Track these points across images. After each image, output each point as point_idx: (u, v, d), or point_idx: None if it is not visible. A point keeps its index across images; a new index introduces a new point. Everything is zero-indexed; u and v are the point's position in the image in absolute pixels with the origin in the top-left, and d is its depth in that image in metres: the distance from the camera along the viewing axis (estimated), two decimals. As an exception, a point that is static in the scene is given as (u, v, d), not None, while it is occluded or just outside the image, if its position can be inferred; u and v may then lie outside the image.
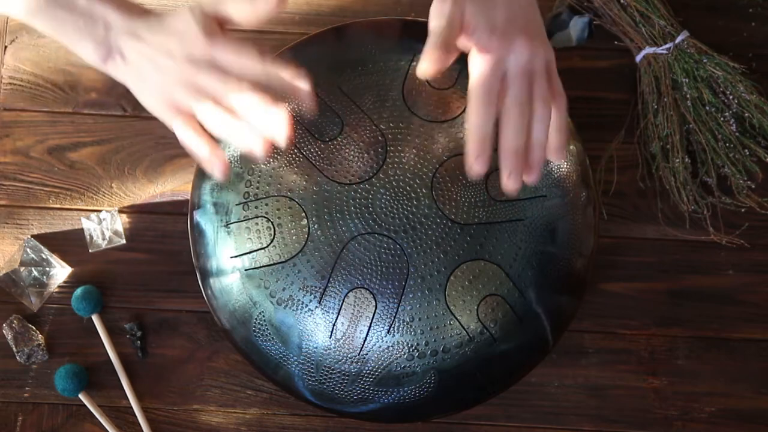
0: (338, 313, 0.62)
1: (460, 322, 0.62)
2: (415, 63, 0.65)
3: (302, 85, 0.55)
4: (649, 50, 0.82)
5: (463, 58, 0.64)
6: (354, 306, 0.62)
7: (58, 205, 0.84)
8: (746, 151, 0.81)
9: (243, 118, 0.55)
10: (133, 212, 0.84)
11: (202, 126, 0.57)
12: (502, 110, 0.53)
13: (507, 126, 0.53)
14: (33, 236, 0.83)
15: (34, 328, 0.82)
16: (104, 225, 0.83)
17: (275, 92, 0.55)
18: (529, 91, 0.54)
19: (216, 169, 0.57)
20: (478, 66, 0.54)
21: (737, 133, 0.81)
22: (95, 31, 0.56)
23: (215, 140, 0.57)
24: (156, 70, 0.56)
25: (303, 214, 0.63)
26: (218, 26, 0.56)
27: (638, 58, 0.83)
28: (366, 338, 0.63)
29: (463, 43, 0.54)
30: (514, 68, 0.54)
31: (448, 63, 0.53)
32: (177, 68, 0.55)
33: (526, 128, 0.54)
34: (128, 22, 0.56)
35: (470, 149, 0.53)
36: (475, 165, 0.53)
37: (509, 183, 0.53)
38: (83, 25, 0.56)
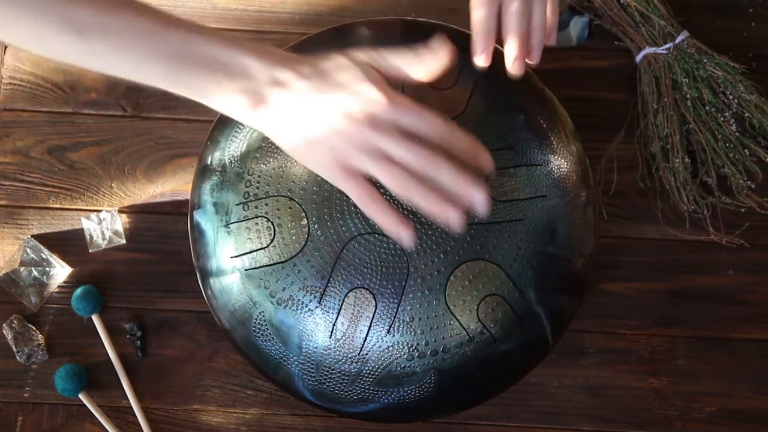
0: (338, 313, 0.63)
1: (460, 322, 0.62)
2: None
3: (484, 157, 0.53)
4: (649, 50, 0.82)
5: (464, 58, 0.64)
6: (354, 306, 0.62)
7: (58, 205, 0.84)
8: (746, 151, 0.81)
9: (435, 184, 0.51)
10: (133, 212, 0.84)
11: (377, 187, 0.52)
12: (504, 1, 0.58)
13: (510, 14, 0.58)
14: (33, 236, 0.83)
15: (34, 328, 0.82)
16: (104, 225, 0.83)
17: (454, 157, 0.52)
18: None
19: (405, 237, 0.52)
20: None
21: (737, 133, 0.81)
22: (239, 84, 0.51)
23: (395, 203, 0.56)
24: (326, 129, 0.51)
25: (303, 214, 0.63)
26: (388, 82, 0.52)
27: (638, 58, 0.83)
28: (366, 338, 0.63)
29: None
30: None
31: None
32: (356, 128, 0.50)
33: (528, 14, 0.58)
34: (271, 71, 0.51)
35: (476, 44, 0.58)
36: (481, 59, 0.58)
37: (515, 67, 0.59)
38: (224, 79, 0.51)
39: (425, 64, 0.54)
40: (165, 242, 0.84)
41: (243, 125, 0.67)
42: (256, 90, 0.51)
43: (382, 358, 0.63)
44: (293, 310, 0.63)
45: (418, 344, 0.63)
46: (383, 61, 0.53)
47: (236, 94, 0.51)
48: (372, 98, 0.51)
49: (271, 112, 0.52)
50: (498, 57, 0.68)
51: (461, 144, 0.52)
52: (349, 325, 0.63)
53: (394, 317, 0.62)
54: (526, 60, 0.60)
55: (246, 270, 0.64)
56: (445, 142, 0.52)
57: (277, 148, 0.64)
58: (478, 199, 0.51)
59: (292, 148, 0.53)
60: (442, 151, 0.51)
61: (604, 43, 0.86)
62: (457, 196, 0.51)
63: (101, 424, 0.81)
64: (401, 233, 0.52)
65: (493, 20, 0.58)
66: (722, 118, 0.81)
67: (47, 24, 0.50)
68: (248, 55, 0.52)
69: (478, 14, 0.57)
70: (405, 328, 0.62)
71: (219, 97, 0.52)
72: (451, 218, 0.51)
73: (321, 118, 0.51)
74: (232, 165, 0.66)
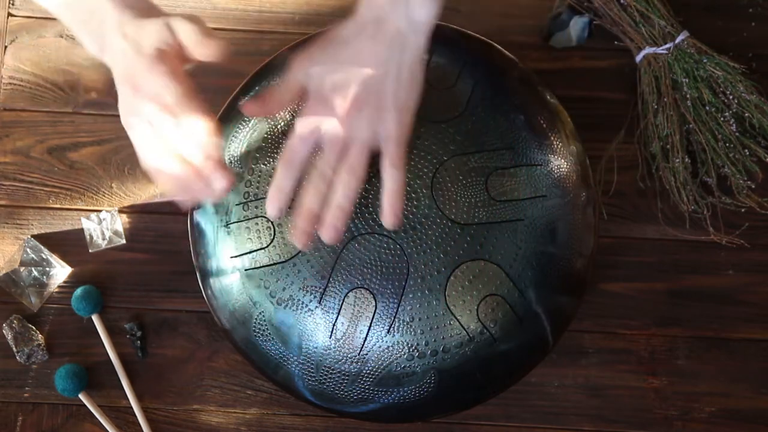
0: (338, 313, 0.63)
1: (460, 322, 0.62)
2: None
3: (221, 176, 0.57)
4: (649, 50, 0.82)
5: (463, 58, 0.64)
6: (354, 306, 0.62)
7: (58, 205, 0.84)
8: (746, 151, 0.81)
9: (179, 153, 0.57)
10: (133, 212, 0.84)
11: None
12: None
13: (305, 188, 0.58)
14: (33, 236, 0.83)
15: (34, 328, 0.82)
16: (104, 225, 0.83)
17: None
18: (334, 160, 0.58)
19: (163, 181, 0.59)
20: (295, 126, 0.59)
21: (737, 133, 0.81)
22: (91, 26, 0.57)
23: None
24: (125, 68, 0.56)
25: (303, 214, 0.63)
26: (178, 50, 0.56)
27: (638, 58, 0.83)
28: (366, 338, 0.63)
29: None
30: (326, 137, 0.58)
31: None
32: (131, 89, 0.56)
33: (322, 193, 0.58)
34: (121, 25, 0.56)
35: (269, 196, 0.59)
36: (268, 208, 0.59)
37: (295, 239, 0.59)
38: (87, 18, 0.57)
39: (204, 45, 0.56)
40: (165, 242, 0.83)
41: (243, 125, 0.67)
42: (104, 37, 0.57)
43: (382, 358, 0.63)
44: (293, 310, 0.63)
45: (418, 344, 0.63)
46: (177, 31, 0.56)
47: (88, 35, 0.58)
48: (147, 54, 0.55)
49: (108, 55, 0.57)
50: (498, 54, 0.68)
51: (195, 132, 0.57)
52: (349, 325, 0.63)
53: (394, 317, 0.62)
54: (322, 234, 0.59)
55: (246, 270, 0.64)
56: (176, 113, 0.56)
57: (277, 148, 0.65)
58: (213, 174, 0.57)
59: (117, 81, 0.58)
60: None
61: (604, 43, 0.86)
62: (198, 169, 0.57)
63: (101, 424, 0.81)
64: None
65: (289, 182, 0.59)
66: (722, 118, 0.81)
67: None
68: (111, 5, 0.56)
69: (276, 176, 0.59)
70: (405, 328, 0.62)
71: (79, 34, 0.58)
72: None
73: (124, 58, 0.56)
74: (232, 165, 0.66)
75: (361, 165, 0.58)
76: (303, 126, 0.59)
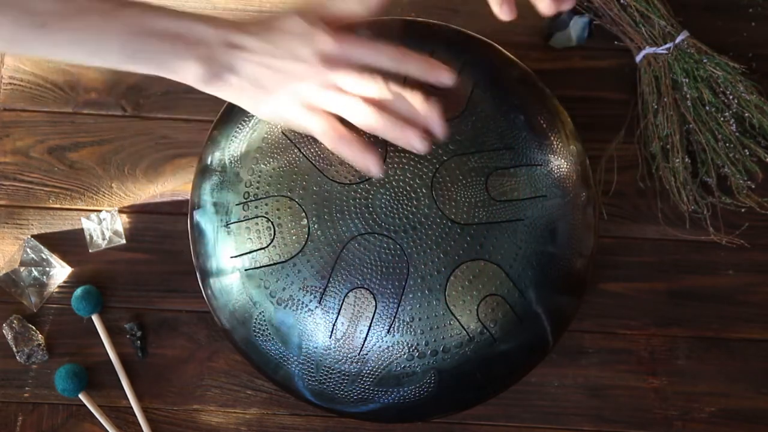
0: (338, 313, 0.63)
1: (460, 322, 0.62)
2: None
3: (442, 73, 0.56)
4: (649, 50, 0.82)
5: (463, 58, 0.64)
6: (354, 306, 0.62)
7: (58, 205, 0.84)
8: (746, 151, 0.81)
9: (394, 112, 0.55)
10: (133, 212, 0.84)
11: (345, 124, 0.56)
12: None
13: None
14: (33, 236, 0.83)
15: (34, 328, 0.82)
16: (104, 225, 0.83)
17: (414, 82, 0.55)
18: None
19: (373, 166, 0.56)
20: None
21: (737, 133, 0.81)
22: (196, 51, 0.54)
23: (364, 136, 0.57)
24: (285, 77, 0.54)
25: (303, 214, 0.63)
26: (332, 26, 0.55)
27: (638, 58, 0.83)
28: (366, 338, 0.63)
29: None
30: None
31: None
32: (312, 70, 0.54)
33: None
34: (224, 35, 0.54)
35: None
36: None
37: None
38: (181, 48, 0.54)
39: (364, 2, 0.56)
40: (165, 242, 0.84)
41: (243, 125, 0.67)
42: (213, 56, 0.54)
43: (382, 358, 0.63)
44: (293, 310, 0.63)
45: (418, 344, 0.63)
46: (325, 9, 0.56)
47: (194, 61, 0.54)
48: (321, 40, 0.54)
49: (230, 78, 0.55)
50: (498, 54, 0.68)
51: (417, 66, 0.56)
52: (349, 325, 0.63)
53: (394, 317, 0.62)
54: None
55: (246, 270, 0.64)
56: (401, 68, 0.55)
57: (277, 148, 0.64)
58: (433, 120, 0.55)
59: (260, 108, 0.57)
60: (398, 78, 0.55)
61: (604, 43, 0.86)
62: (416, 120, 0.55)
63: (101, 424, 0.81)
64: (368, 162, 0.56)
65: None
66: (722, 118, 0.81)
67: (7, 20, 0.51)
68: (200, 24, 0.54)
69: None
70: (405, 328, 0.62)
71: (178, 66, 0.54)
72: (413, 142, 0.55)
73: (278, 69, 0.54)
74: (232, 165, 0.66)
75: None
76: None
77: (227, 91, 0.57)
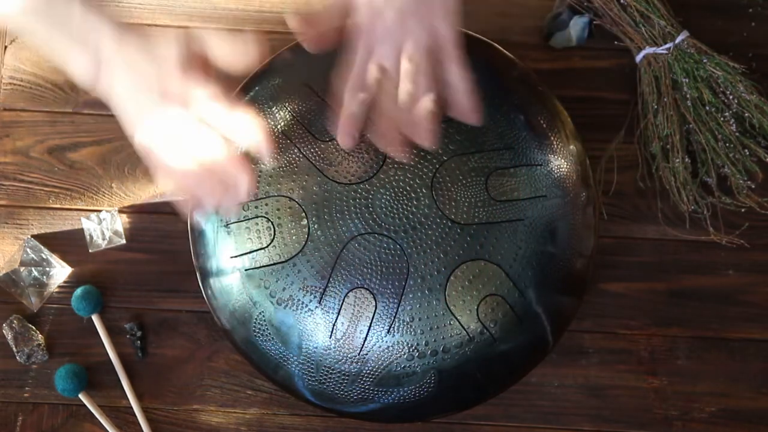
0: (338, 313, 0.62)
1: (460, 322, 0.62)
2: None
3: (264, 149, 0.58)
4: (649, 50, 0.82)
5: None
6: (354, 306, 0.62)
7: (58, 205, 0.84)
8: (746, 151, 0.81)
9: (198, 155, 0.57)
10: (133, 212, 0.84)
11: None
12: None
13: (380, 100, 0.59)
14: (33, 236, 0.83)
15: (34, 328, 0.82)
16: (104, 225, 0.83)
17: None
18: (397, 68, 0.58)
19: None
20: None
21: (737, 133, 0.81)
22: (87, 46, 0.56)
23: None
24: (133, 87, 0.57)
25: (303, 214, 0.63)
26: (201, 62, 0.57)
27: (638, 58, 0.83)
28: (366, 338, 0.63)
29: None
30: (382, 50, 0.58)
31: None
32: (153, 95, 0.56)
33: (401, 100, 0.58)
34: (120, 34, 0.56)
35: (340, 125, 0.60)
36: (341, 137, 0.60)
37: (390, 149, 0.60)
38: (77, 37, 0.56)
39: (232, 54, 0.57)
40: (165, 242, 0.83)
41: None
42: (101, 53, 0.56)
43: (382, 358, 0.63)
44: (293, 310, 0.63)
45: (418, 344, 0.63)
46: (203, 41, 0.57)
47: (84, 54, 0.57)
48: (169, 70, 0.56)
49: (105, 72, 0.57)
50: (497, 54, 0.68)
51: (241, 133, 0.59)
52: (349, 325, 0.63)
53: (394, 317, 0.62)
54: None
55: (246, 270, 0.64)
56: (225, 126, 0.57)
57: (277, 148, 0.64)
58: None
59: (121, 109, 0.59)
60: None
61: (604, 43, 0.86)
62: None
63: (101, 424, 0.81)
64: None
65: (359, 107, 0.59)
66: (722, 118, 0.81)
67: None
68: (104, 20, 0.56)
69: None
70: (405, 328, 0.62)
71: (67, 53, 0.57)
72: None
73: (135, 73, 0.57)
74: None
75: (429, 71, 0.58)
76: (361, 47, 0.58)
77: (103, 87, 0.59)
